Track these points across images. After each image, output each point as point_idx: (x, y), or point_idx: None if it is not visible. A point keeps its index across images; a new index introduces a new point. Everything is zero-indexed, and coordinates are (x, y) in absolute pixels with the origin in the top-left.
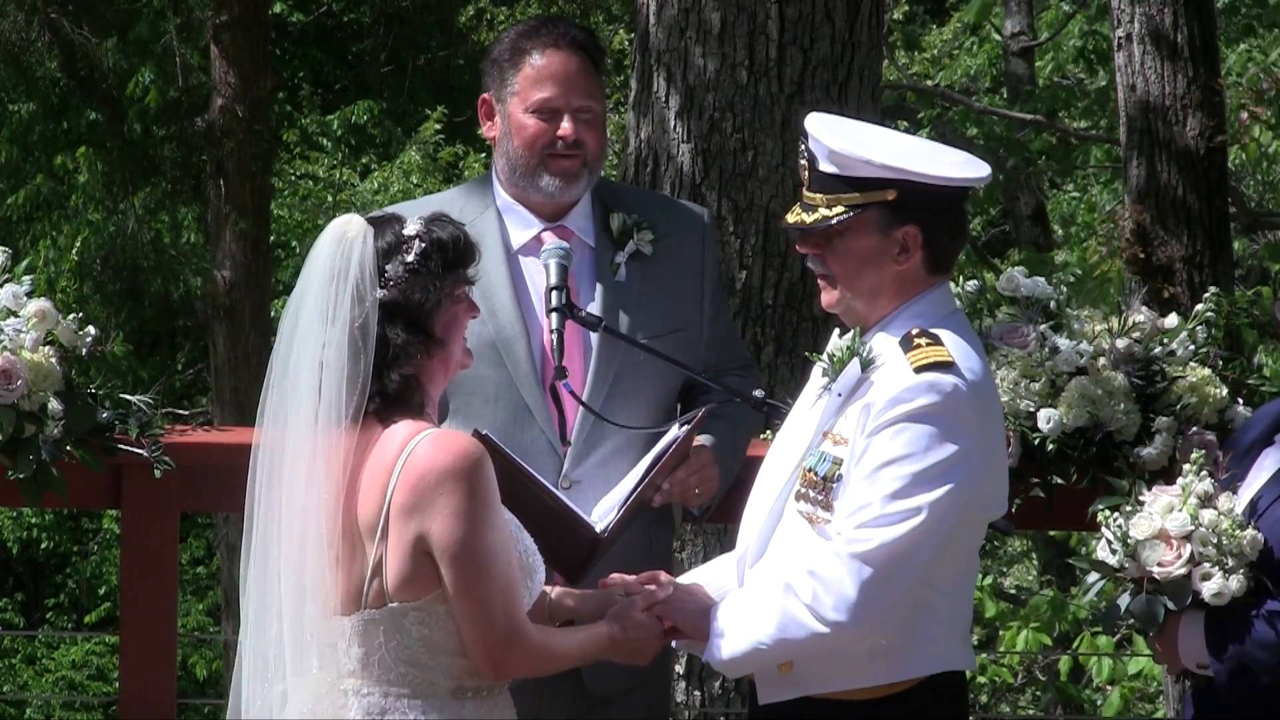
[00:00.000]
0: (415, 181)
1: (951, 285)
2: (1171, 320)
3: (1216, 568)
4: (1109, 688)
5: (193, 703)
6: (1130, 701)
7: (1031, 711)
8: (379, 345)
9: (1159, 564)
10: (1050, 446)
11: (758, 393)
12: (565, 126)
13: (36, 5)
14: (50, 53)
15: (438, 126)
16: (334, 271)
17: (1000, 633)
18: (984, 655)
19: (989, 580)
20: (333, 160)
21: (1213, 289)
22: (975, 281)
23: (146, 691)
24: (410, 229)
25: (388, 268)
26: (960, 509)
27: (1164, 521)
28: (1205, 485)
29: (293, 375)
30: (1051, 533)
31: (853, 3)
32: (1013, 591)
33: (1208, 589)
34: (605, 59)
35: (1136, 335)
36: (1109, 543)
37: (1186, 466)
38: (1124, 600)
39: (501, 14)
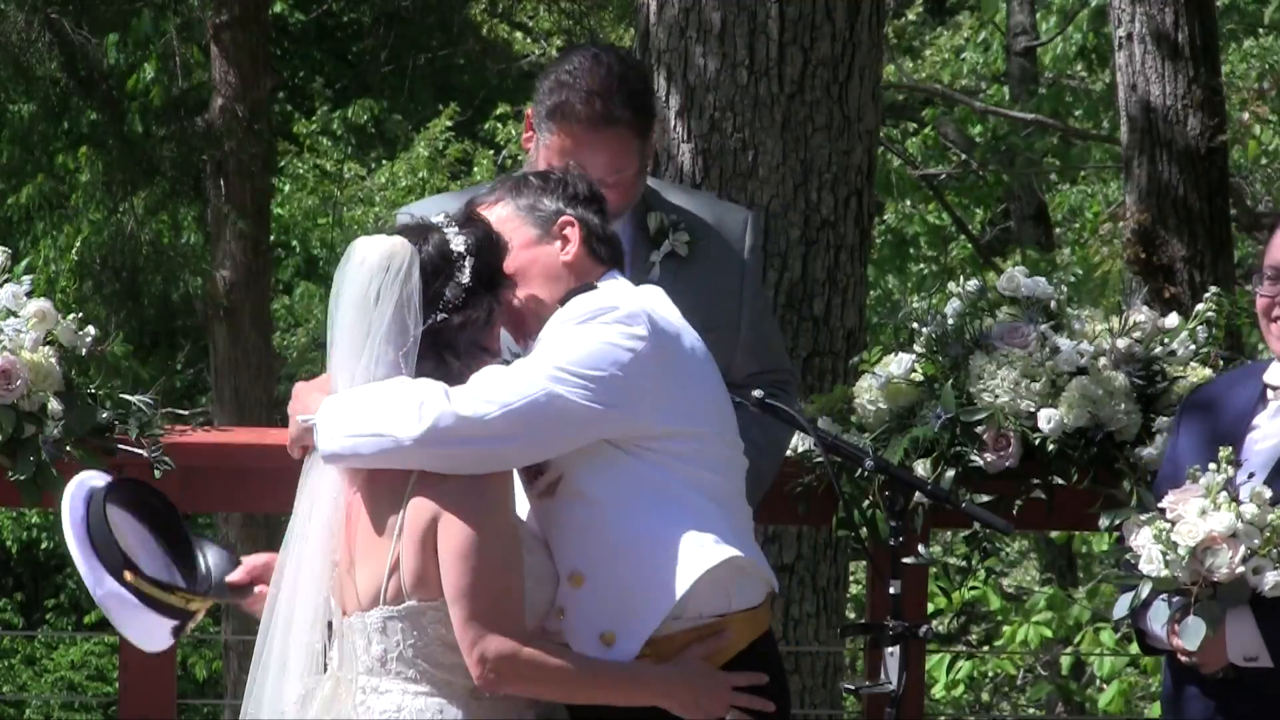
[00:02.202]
0: (422, 177)
1: (953, 285)
2: (1172, 320)
3: (1267, 560)
4: (1108, 686)
5: (193, 703)
6: (1131, 701)
7: (1032, 711)
8: (437, 368)
9: (1226, 568)
10: (1051, 447)
11: (756, 393)
12: None
13: (37, 5)
14: (50, 53)
15: (448, 123)
16: (377, 296)
17: (1003, 629)
18: (985, 651)
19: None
20: (339, 154)
21: (1213, 289)
22: (975, 281)
23: (146, 692)
24: (456, 243)
25: (446, 291)
26: (576, 410)
27: (1209, 525)
28: (1220, 479)
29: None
30: (1052, 533)
31: (853, 2)
32: (1011, 590)
33: (1266, 582)
34: (654, 117)
35: (1137, 335)
36: (1162, 554)
37: (1212, 465)
38: (1161, 607)
39: (507, 6)
